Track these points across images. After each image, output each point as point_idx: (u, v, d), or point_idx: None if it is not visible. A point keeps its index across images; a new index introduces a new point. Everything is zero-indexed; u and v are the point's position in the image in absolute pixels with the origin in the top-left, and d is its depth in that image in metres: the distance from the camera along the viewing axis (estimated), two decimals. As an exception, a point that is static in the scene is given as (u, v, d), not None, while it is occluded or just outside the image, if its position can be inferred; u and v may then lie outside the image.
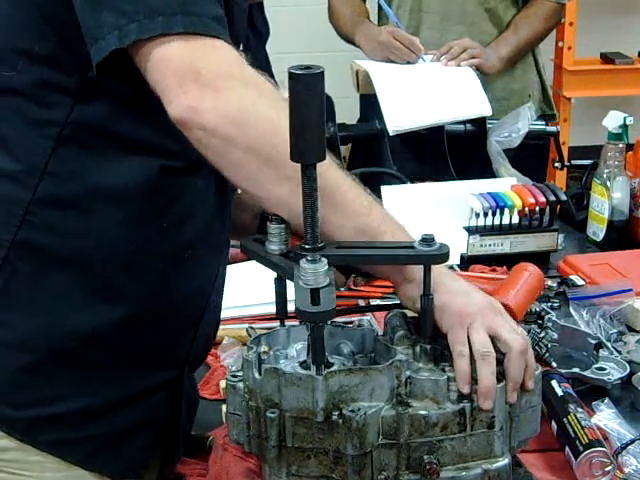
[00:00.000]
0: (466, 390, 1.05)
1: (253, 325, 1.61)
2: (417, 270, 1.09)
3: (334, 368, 1.04)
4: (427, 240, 1.07)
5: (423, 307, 1.09)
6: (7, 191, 1.14)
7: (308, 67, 0.96)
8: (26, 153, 1.13)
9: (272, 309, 1.18)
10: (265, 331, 1.16)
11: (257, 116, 1.05)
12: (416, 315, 1.15)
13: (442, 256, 1.07)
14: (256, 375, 1.05)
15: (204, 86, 1.03)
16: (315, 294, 0.98)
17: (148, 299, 1.18)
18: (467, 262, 1.92)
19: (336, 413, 1.02)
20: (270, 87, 1.07)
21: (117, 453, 1.22)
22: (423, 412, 1.04)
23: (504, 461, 1.08)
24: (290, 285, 1.13)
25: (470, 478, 1.06)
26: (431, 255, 1.06)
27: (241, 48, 1.15)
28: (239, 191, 1.28)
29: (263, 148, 1.05)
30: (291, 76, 0.96)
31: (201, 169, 1.15)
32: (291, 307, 1.16)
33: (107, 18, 1.03)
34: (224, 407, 1.19)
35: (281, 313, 1.16)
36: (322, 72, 0.97)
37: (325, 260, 1.00)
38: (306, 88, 0.97)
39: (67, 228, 1.14)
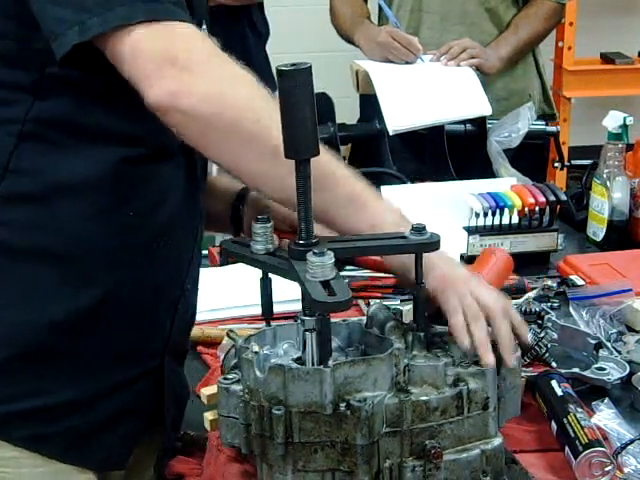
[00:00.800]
0: (467, 343, 1.08)
1: (252, 325, 1.62)
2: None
3: (339, 360, 1.05)
4: (418, 229, 1.10)
5: (416, 295, 1.11)
6: None
7: (294, 64, 0.98)
8: None
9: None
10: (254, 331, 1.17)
11: (235, 95, 1.07)
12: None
13: (433, 244, 1.10)
14: (258, 374, 1.05)
15: (182, 70, 1.04)
16: (326, 286, 0.99)
17: (120, 289, 1.17)
18: (467, 262, 1.92)
19: (343, 405, 1.03)
20: (240, 68, 1.09)
21: (96, 445, 1.20)
22: (424, 398, 1.06)
23: (499, 440, 1.11)
24: (275, 285, 1.15)
25: (470, 459, 1.09)
26: (423, 243, 1.09)
27: (203, 27, 1.16)
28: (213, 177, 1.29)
29: (243, 125, 1.06)
30: (280, 73, 0.98)
31: (167, 157, 1.15)
32: (277, 308, 1.19)
33: (67, 13, 1.03)
34: (207, 414, 1.17)
35: (267, 313, 1.18)
36: (310, 67, 0.98)
37: (331, 253, 1.01)
38: (296, 84, 0.98)
39: (33, 223, 1.13)
